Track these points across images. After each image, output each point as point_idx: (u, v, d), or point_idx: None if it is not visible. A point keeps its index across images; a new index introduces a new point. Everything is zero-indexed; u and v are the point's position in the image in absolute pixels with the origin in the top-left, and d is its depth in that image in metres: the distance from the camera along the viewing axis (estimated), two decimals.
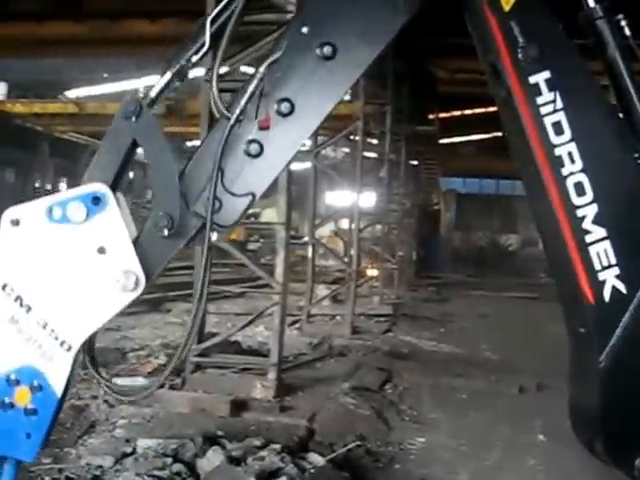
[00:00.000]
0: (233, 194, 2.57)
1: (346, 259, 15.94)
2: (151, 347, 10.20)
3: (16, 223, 2.48)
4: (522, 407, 8.68)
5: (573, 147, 2.69)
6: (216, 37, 2.60)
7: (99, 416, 6.85)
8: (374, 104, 16.56)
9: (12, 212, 2.49)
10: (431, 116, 26.99)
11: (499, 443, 7.22)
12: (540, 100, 2.67)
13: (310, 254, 14.21)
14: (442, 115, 28.09)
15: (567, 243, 2.73)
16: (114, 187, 2.55)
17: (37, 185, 33.15)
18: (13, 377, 2.51)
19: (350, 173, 15.37)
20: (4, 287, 2.50)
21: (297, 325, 13.23)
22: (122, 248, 2.50)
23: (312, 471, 5.77)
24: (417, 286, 23.92)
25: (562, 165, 2.69)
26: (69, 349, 2.51)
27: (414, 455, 6.87)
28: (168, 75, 2.62)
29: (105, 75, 25.72)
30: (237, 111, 2.53)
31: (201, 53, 2.60)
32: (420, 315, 16.75)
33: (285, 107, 2.53)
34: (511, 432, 7.60)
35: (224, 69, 2.51)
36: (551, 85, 2.66)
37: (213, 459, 5.62)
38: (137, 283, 2.49)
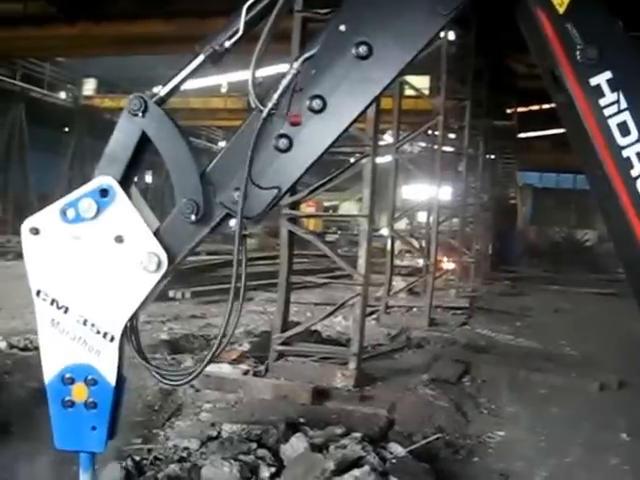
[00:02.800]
0: (259, 187, 2.58)
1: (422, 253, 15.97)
2: (234, 334, 10.34)
3: (36, 232, 2.62)
4: (603, 404, 8.50)
5: None
6: (252, 24, 2.61)
7: (185, 400, 7.05)
8: (453, 99, 16.47)
9: (30, 222, 2.63)
10: (509, 111, 26.75)
11: (580, 440, 7.08)
12: (603, 102, 2.58)
13: (389, 247, 14.27)
14: (520, 110, 27.75)
15: None
16: (126, 182, 2.63)
17: None
18: (67, 376, 2.65)
19: (427, 167, 15.33)
20: (38, 293, 2.64)
21: (374, 316, 13.29)
22: (138, 233, 2.60)
23: (393, 461, 5.78)
24: (493, 280, 23.69)
25: (631, 166, 2.59)
26: (112, 339, 2.64)
27: (493, 449, 6.83)
28: (200, 58, 2.65)
29: None
30: (269, 105, 2.55)
31: (234, 39, 2.62)
32: (496, 309, 16.59)
33: (317, 104, 2.53)
34: (592, 430, 7.44)
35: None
36: (613, 85, 2.57)
37: (296, 445, 5.67)
38: (159, 264, 2.59)
